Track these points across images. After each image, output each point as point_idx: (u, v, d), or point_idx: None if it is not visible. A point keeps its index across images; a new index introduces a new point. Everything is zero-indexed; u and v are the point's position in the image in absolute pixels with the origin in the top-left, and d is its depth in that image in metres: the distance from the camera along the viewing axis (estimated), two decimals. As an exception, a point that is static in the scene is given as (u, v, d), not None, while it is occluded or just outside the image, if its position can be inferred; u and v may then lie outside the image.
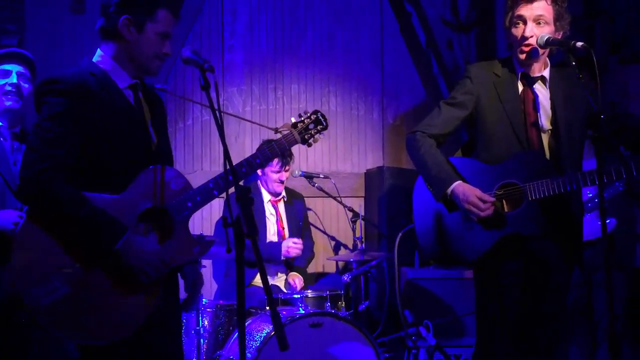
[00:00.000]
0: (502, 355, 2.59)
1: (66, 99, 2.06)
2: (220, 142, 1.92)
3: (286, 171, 4.18)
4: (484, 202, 2.55)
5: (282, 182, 4.20)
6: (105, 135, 2.10)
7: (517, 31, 2.60)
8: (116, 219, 2.05)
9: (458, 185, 2.59)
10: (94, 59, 2.21)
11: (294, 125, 2.41)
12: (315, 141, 2.43)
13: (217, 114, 1.93)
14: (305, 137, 2.41)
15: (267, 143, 2.51)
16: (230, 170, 1.93)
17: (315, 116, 2.43)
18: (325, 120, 2.44)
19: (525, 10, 2.57)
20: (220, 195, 2.24)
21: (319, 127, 2.42)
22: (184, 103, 4.79)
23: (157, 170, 2.15)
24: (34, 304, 1.99)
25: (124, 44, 2.17)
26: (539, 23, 2.57)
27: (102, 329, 2.05)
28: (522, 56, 2.60)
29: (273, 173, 4.16)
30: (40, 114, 2.09)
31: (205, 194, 2.19)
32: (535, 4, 2.57)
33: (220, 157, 4.75)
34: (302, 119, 2.42)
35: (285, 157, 4.10)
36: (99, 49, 2.22)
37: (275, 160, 4.09)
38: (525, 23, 2.58)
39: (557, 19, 2.59)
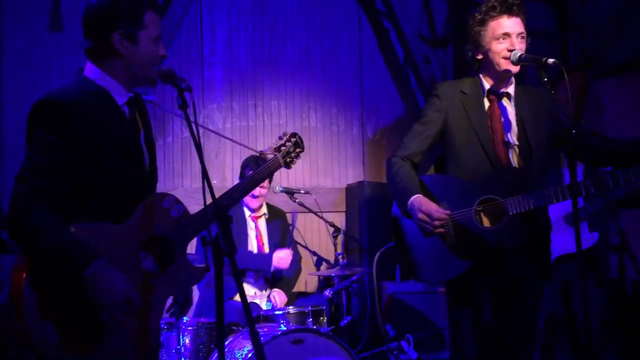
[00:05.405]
0: None
1: (62, 122, 1.99)
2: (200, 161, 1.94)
3: (262, 187, 4.14)
4: (433, 218, 2.58)
5: (255, 197, 4.16)
6: (101, 158, 2.04)
7: (501, 45, 2.62)
8: (89, 246, 1.96)
9: (416, 197, 2.64)
10: (89, 76, 2.11)
11: (277, 148, 2.48)
12: (294, 164, 2.52)
13: (195, 134, 1.94)
14: (287, 160, 2.49)
15: (254, 167, 2.59)
16: (210, 191, 1.94)
17: (294, 139, 2.51)
18: (302, 142, 2.55)
19: (510, 26, 2.62)
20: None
21: (297, 150, 2.51)
22: (163, 120, 4.79)
23: (157, 198, 2.14)
24: (43, 341, 1.92)
25: (120, 59, 2.08)
26: (521, 38, 2.63)
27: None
28: (505, 66, 2.61)
29: None
30: (34, 139, 1.99)
31: (203, 219, 2.18)
32: (519, 19, 2.63)
33: (200, 174, 4.74)
34: (284, 141, 2.49)
35: None
36: (91, 65, 2.11)
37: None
38: (510, 37, 2.62)
39: (528, 34, 2.66)
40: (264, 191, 4.18)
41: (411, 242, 2.75)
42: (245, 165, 4.17)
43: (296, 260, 4.36)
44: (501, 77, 2.68)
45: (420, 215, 2.61)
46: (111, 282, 1.94)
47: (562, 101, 3.22)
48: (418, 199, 2.63)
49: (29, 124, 2.04)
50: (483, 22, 2.65)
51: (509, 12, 2.62)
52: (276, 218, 4.37)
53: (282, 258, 4.08)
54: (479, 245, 2.61)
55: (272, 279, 4.20)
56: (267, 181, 4.11)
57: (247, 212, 4.26)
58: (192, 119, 1.98)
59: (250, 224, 4.26)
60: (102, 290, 1.93)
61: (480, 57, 2.70)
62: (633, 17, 4.58)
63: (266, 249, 4.26)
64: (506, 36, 2.62)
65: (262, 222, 4.31)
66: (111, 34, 2.07)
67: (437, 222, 2.59)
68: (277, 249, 4.23)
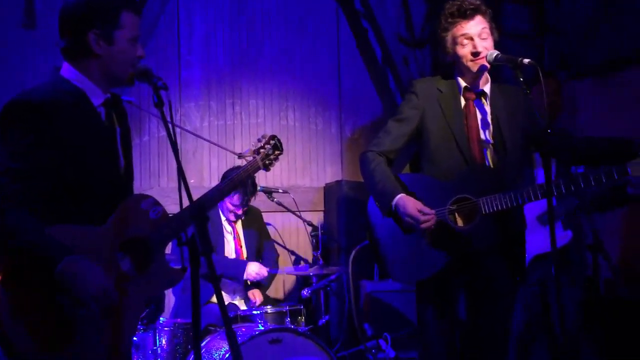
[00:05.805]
0: None
1: (43, 122, 1.96)
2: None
3: (244, 207, 4.15)
4: (423, 214, 2.59)
5: (236, 215, 4.17)
6: (76, 160, 2.02)
7: (465, 49, 2.65)
8: (61, 244, 1.94)
9: (400, 198, 2.64)
10: (65, 75, 2.08)
11: (257, 151, 2.48)
12: (273, 166, 2.52)
13: (172, 133, 1.93)
14: (266, 162, 2.49)
15: (233, 171, 2.60)
16: (186, 191, 1.92)
17: (273, 141, 2.51)
18: (281, 144, 2.54)
19: (468, 28, 2.64)
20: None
21: (276, 153, 2.51)
22: (140, 119, 4.74)
23: (135, 200, 2.12)
24: (19, 343, 1.89)
25: (96, 59, 2.06)
26: (484, 37, 2.65)
27: None
28: (475, 68, 2.65)
29: (230, 204, 4.12)
30: (9, 140, 1.96)
31: (181, 221, 2.17)
32: (476, 19, 2.65)
33: (177, 174, 4.70)
34: (263, 144, 2.49)
35: (247, 195, 4.06)
36: (68, 65, 2.10)
37: (237, 196, 4.05)
38: (472, 40, 2.64)
39: (492, 30, 2.68)
40: (245, 209, 4.17)
41: (386, 242, 2.75)
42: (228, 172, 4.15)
43: (273, 259, 4.34)
44: (475, 75, 2.70)
45: (409, 214, 2.60)
46: (85, 277, 1.92)
47: (538, 102, 3.25)
48: (403, 199, 2.63)
49: (1, 124, 2.00)
50: (446, 29, 2.68)
51: (464, 17, 2.64)
52: (253, 219, 4.35)
53: (256, 273, 4.05)
54: (452, 245, 2.62)
55: (246, 284, 4.18)
56: (252, 198, 4.12)
57: (223, 217, 4.23)
58: (168, 117, 1.96)
59: (227, 228, 4.24)
60: (77, 286, 1.91)
61: (450, 60, 2.73)
62: (611, 18, 4.65)
63: (244, 252, 4.23)
64: (468, 39, 2.65)
65: (239, 225, 4.29)
66: (87, 33, 2.04)
67: (424, 224, 2.59)
68: (254, 256, 4.21)
